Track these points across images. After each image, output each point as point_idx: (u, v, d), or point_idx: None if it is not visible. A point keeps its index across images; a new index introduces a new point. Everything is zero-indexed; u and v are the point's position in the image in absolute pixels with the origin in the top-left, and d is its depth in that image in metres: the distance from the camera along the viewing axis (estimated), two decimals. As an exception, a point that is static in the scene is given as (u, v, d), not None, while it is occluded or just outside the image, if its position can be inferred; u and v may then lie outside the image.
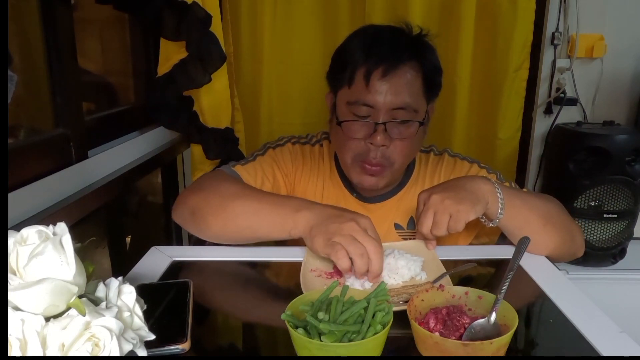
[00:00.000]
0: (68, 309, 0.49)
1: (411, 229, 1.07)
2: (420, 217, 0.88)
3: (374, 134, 0.95)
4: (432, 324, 0.62)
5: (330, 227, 0.78)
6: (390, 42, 0.97)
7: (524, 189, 1.07)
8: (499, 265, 0.90)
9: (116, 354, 0.48)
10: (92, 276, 0.54)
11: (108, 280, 0.55)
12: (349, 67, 0.97)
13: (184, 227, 0.99)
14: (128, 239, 1.41)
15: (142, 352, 0.52)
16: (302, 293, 0.70)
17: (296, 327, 0.58)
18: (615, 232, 1.63)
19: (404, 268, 0.80)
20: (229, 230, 0.90)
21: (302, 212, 0.83)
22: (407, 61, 0.95)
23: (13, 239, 0.50)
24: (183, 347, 0.61)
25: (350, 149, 0.99)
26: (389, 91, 0.94)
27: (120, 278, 0.56)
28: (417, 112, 0.97)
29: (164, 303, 0.71)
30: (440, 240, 0.91)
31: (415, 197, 0.94)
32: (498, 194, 0.89)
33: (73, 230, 0.52)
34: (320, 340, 0.56)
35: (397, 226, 1.07)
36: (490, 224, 0.91)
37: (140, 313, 0.55)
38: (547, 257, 0.91)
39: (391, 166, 1.00)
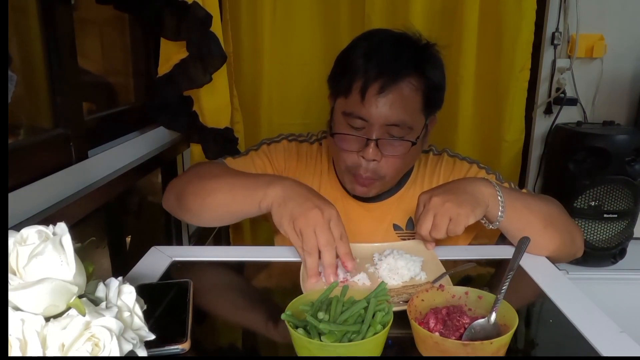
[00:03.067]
0: (68, 309, 0.49)
1: (410, 229, 1.07)
2: (419, 219, 0.88)
3: (365, 148, 0.95)
4: (432, 324, 0.62)
5: (296, 210, 0.80)
6: (392, 54, 0.94)
7: (524, 190, 1.07)
8: (499, 265, 0.90)
9: (116, 354, 0.48)
10: (92, 276, 0.54)
11: (108, 280, 0.55)
12: (348, 77, 0.95)
13: (173, 213, 1.03)
14: (128, 239, 1.41)
15: (142, 352, 0.52)
16: (302, 293, 0.70)
17: (296, 327, 0.58)
18: (615, 232, 1.63)
19: (403, 268, 0.80)
20: (206, 208, 0.92)
21: (272, 186, 0.85)
22: (407, 76, 0.93)
23: (13, 239, 0.50)
24: (183, 347, 0.61)
25: (342, 160, 1.00)
26: (384, 107, 0.93)
27: (120, 278, 0.56)
28: (412, 129, 0.96)
29: (164, 303, 0.71)
30: (439, 241, 0.91)
31: (414, 198, 0.93)
32: (499, 197, 0.88)
33: (73, 230, 0.52)
34: (320, 340, 0.56)
35: (395, 227, 1.07)
36: (491, 226, 0.91)
37: (140, 313, 0.55)
38: (547, 257, 0.91)
39: (381, 179, 0.99)
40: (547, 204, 0.96)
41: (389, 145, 0.95)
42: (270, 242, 1.25)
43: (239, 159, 1.09)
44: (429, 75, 0.96)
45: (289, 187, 0.84)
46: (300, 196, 0.82)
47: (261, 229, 1.72)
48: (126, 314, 0.53)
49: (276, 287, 0.89)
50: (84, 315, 0.48)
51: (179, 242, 1.57)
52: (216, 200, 0.91)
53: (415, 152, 1.01)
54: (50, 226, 0.53)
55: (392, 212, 1.08)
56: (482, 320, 0.63)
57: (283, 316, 0.59)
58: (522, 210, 0.91)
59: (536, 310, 0.78)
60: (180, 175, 1.05)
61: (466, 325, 0.62)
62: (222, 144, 1.46)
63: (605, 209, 1.60)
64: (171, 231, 1.55)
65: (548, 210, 0.95)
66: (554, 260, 0.92)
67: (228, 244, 1.56)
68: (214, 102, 1.40)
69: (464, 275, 0.84)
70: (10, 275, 0.48)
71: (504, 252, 0.90)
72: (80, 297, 0.50)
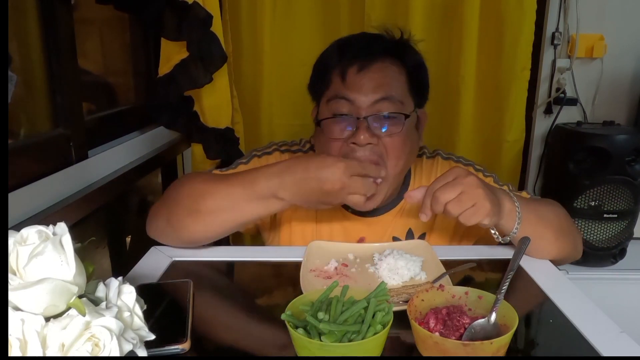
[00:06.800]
0: (68, 309, 0.49)
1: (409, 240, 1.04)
2: (444, 187, 0.79)
3: (356, 132, 0.88)
4: (432, 324, 0.62)
5: (314, 199, 0.81)
6: (365, 42, 0.94)
7: (524, 192, 1.05)
8: (499, 265, 0.90)
9: (116, 354, 0.48)
10: (92, 276, 0.54)
11: (108, 280, 0.55)
12: (326, 72, 0.95)
13: (161, 239, 0.92)
14: (128, 239, 1.41)
15: (142, 352, 0.52)
16: (302, 293, 0.70)
17: (296, 327, 0.58)
18: (615, 232, 1.63)
19: (403, 268, 0.80)
20: (212, 229, 0.87)
21: (279, 194, 0.81)
22: (384, 56, 0.92)
23: (13, 239, 0.51)
24: (183, 347, 0.61)
25: (334, 151, 0.92)
26: (368, 83, 0.89)
27: (120, 278, 0.56)
28: (404, 104, 0.91)
29: (164, 303, 0.72)
30: (438, 242, 0.90)
31: (412, 208, 0.90)
32: (517, 212, 0.84)
33: (73, 230, 0.52)
34: (320, 340, 0.56)
35: (395, 239, 1.03)
36: (501, 240, 0.88)
37: (140, 313, 0.55)
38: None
39: (384, 165, 0.91)
40: (557, 214, 0.93)
41: (380, 123, 0.89)
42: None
43: (227, 173, 0.99)
44: (407, 57, 0.95)
45: (290, 187, 0.80)
46: (301, 171, 0.80)
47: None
48: (126, 314, 0.53)
49: (276, 287, 0.89)
50: (84, 315, 0.48)
51: (179, 242, 1.57)
52: (221, 217, 0.85)
53: (413, 142, 0.96)
54: (50, 226, 0.53)
55: (392, 226, 1.04)
56: (482, 320, 0.63)
57: (283, 316, 0.59)
58: (537, 225, 0.87)
59: (536, 310, 0.78)
60: (160, 200, 0.94)
61: (466, 325, 0.62)
62: (222, 144, 1.46)
63: (605, 209, 1.60)
64: (171, 231, 1.55)
65: (559, 221, 0.92)
66: (555, 264, 0.92)
67: (228, 244, 1.56)
68: (214, 102, 1.40)
69: (464, 275, 0.84)
70: (10, 275, 0.48)
71: (504, 252, 0.90)
72: (80, 297, 0.50)
